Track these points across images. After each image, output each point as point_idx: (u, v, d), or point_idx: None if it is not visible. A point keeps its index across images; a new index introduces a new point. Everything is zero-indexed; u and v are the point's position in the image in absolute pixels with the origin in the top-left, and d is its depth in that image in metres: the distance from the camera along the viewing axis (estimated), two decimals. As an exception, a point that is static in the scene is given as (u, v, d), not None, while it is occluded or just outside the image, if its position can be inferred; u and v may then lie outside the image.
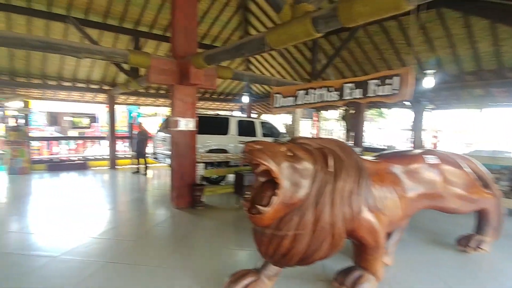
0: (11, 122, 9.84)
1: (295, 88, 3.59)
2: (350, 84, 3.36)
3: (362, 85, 3.27)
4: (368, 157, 3.24)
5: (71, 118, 24.34)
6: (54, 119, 23.96)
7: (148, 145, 9.68)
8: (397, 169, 3.09)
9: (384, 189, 2.86)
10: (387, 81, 3.03)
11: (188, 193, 5.89)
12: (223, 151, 8.18)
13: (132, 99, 12.28)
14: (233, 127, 8.60)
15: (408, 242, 4.17)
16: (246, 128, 8.94)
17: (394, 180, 3.00)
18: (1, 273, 3.20)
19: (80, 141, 12.19)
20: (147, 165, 9.62)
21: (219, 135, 8.26)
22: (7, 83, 9.02)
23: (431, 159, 3.27)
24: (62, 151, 11.40)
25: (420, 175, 3.15)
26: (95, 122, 17.12)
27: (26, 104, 9.92)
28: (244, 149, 2.29)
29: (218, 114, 9.35)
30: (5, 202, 6.18)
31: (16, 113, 9.81)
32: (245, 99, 10.56)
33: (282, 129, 10.49)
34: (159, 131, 9.27)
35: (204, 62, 5.00)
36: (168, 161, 8.07)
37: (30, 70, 8.85)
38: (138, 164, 9.77)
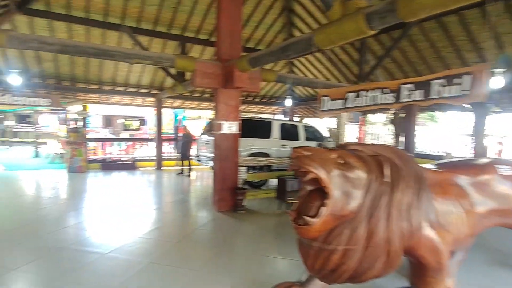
0: (71, 124, 10.71)
1: (345, 90, 3.36)
2: (408, 85, 3.04)
3: (423, 86, 2.93)
4: (428, 166, 2.91)
5: (123, 121, 26.07)
6: (107, 121, 25.83)
7: (192, 147, 9.92)
8: (464, 180, 2.72)
9: (447, 202, 2.53)
10: (455, 80, 2.67)
11: (230, 196, 5.87)
12: (265, 155, 8.09)
13: (178, 102, 12.73)
14: (275, 131, 8.48)
15: (471, 262, 3.70)
16: (288, 132, 8.76)
17: (459, 192, 2.65)
18: (57, 266, 3.39)
19: (130, 143, 12.92)
20: (190, 167, 9.86)
21: (261, 139, 8.18)
22: (68, 89, 9.83)
23: (505, 170, 2.84)
24: (114, 151, 12.13)
25: (491, 188, 2.75)
26: (144, 124, 18.07)
27: (85, 108, 10.74)
28: (291, 155, 2.14)
29: (260, 118, 9.29)
30: (65, 198, 6.68)
31: (75, 116, 10.66)
32: (288, 102, 10.35)
33: (326, 134, 10.14)
34: (202, 134, 9.46)
35: (248, 65, 4.95)
36: (211, 163, 8.17)
37: (88, 76, 9.56)
38: (182, 165, 10.04)
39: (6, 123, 19.11)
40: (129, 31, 7.52)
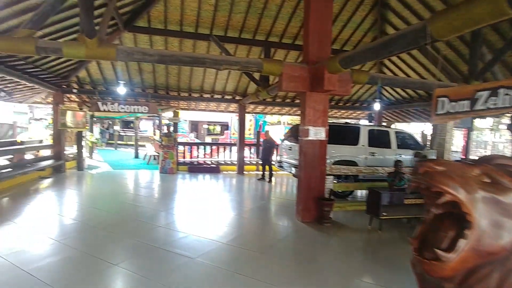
0: (164, 129, 11.70)
1: (473, 89, 2.70)
2: None
3: None
4: None
5: (208, 126, 27.87)
6: (194, 127, 27.92)
7: (273, 153, 9.82)
8: None
9: None
10: None
11: (315, 207, 5.50)
12: (352, 163, 7.46)
13: (260, 108, 12.88)
14: (363, 137, 7.77)
15: None
16: (378, 138, 7.95)
17: None
18: (151, 266, 3.52)
19: (214, 147, 13.55)
20: (271, 172, 9.76)
21: (347, 146, 7.58)
22: (163, 97, 10.79)
23: None
24: (200, 155, 12.86)
25: None
26: (227, 129, 18.88)
27: (176, 114, 11.63)
28: (416, 170, 1.70)
29: (347, 123, 8.66)
30: (158, 198, 7.20)
31: (168, 121, 11.62)
32: (377, 106, 9.51)
33: (421, 141, 8.93)
34: (284, 139, 9.28)
35: (339, 66, 4.55)
36: (293, 170, 7.91)
37: (180, 85, 10.32)
38: (264, 171, 10.02)
39: (114, 128, 22.17)
40: (216, 40, 7.82)
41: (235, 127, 15.47)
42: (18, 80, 7.71)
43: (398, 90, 10.68)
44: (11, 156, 8.28)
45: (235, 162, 11.83)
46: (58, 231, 4.64)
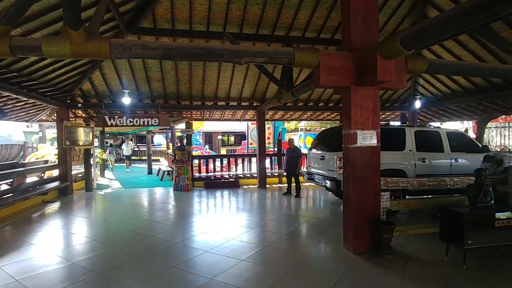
0: (177, 143, 10.74)
1: None
2: None
3: None
4: None
5: (223, 137, 26.98)
6: (208, 138, 27.09)
7: (300, 163, 8.67)
8: None
9: None
10: None
11: (369, 232, 4.30)
12: (400, 172, 6.21)
13: (279, 114, 11.80)
14: (410, 140, 6.52)
15: None
16: (427, 141, 6.68)
17: None
18: None
19: (231, 159, 12.49)
20: (299, 185, 8.56)
21: (392, 152, 6.31)
22: (174, 107, 9.86)
23: None
24: (216, 168, 11.81)
25: None
26: (244, 139, 17.82)
27: (189, 125, 10.68)
28: None
29: (387, 124, 7.42)
30: (172, 224, 6.12)
31: (181, 134, 10.66)
32: (417, 104, 8.24)
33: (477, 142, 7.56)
34: (312, 148, 8.13)
35: (401, 48, 3.40)
36: (328, 183, 6.73)
37: (192, 92, 9.38)
38: (289, 184, 8.85)
39: (129, 143, 21.49)
40: (231, 38, 6.82)
41: (252, 136, 14.44)
42: (16, 96, 6.91)
43: (438, 85, 9.37)
44: (11, 180, 7.46)
45: (256, 175, 10.71)
46: (54, 276, 3.61)
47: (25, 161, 9.77)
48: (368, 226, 4.33)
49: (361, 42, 4.20)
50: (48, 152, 11.63)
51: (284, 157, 10.46)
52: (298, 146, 9.21)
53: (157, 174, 13.57)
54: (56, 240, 5.03)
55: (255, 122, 14.30)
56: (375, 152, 4.40)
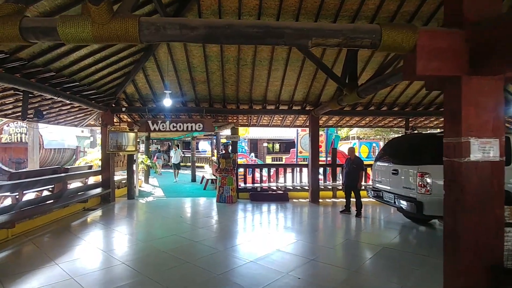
0: (222, 150, 9.98)
1: None
2: None
3: None
4: None
5: (268, 144, 26.06)
6: (253, 145, 26.32)
7: (362, 176, 7.35)
8: None
9: None
10: None
11: (486, 282, 2.95)
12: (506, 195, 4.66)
13: (334, 119, 10.52)
14: (519, 153, 4.94)
15: None
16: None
17: None
18: None
19: (278, 168, 11.41)
20: (360, 202, 7.22)
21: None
22: (220, 111, 9.11)
23: None
24: (263, 178, 10.84)
25: None
26: (292, 147, 16.68)
27: (235, 131, 9.87)
28: None
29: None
30: (214, 243, 5.20)
31: (226, 140, 9.89)
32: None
33: None
34: (379, 159, 6.78)
35: None
36: (405, 204, 5.37)
37: (239, 95, 8.55)
38: (348, 200, 7.54)
39: (177, 150, 21.54)
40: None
41: (302, 144, 13.27)
42: (59, 99, 6.64)
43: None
44: (52, 187, 7.18)
45: (307, 187, 9.53)
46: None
47: (70, 166, 9.66)
48: (487, 275, 2.99)
49: (476, 14, 2.93)
50: (97, 157, 11.62)
51: (341, 168, 9.18)
52: (359, 156, 7.89)
53: (201, 182, 13.00)
54: (84, 262, 4.36)
55: (305, 128, 13.23)
56: (497, 169, 3.04)
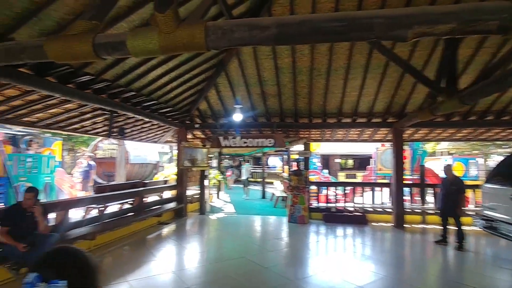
0: (293, 166, 9.47)
1: None
2: None
3: None
4: None
5: (341, 160, 24.59)
6: (325, 161, 25.09)
7: (463, 200, 6.04)
8: None
9: None
10: None
11: None
12: None
13: (420, 133, 9.17)
14: None
15: None
16: None
17: None
18: None
19: (354, 187, 10.36)
20: (461, 232, 5.88)
21: None
22: (291, 125, 8.68)
23: None
24: (336, 197, 9.91)
25: None
26: (368, 164, 15.26)
27: (307, 147, 9.30)
28: None
29: None
30: (285, 276, 4.67)
31: (297, 156, 9.38)
32: None
33: None
34: (490, 180, 5.48)
35: None
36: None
37: (312, 108, 8.01)
38: (445, 227, 6.24)
39: (246, 165, 21.82)
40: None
41: (383, 160, 11.96)
42: (142, 118, 7.07)
43: None
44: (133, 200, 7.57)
45: (390, 210, 8.35)
46: None
47: (149, 181, 10.24)
48: None
49: None
50: (172, 171, 12.22)
51: (435, 189, 7.86)
52: (458, 176, 6.56)
53: (271, 199, 12.62)
54: (153, 281, 4.25)
55: (384, 143, 11.94)
56: None
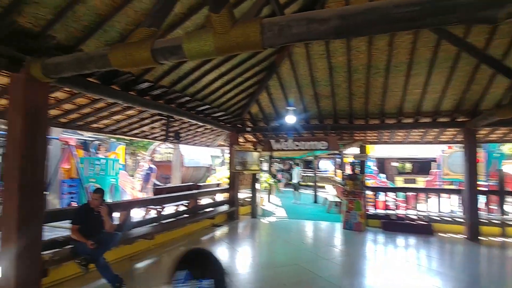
0: (348, 170, 9.00)
1: None
2: None
3: None
4: None
5: (399, 164, 22.96)
6: (380, 165, 23.62)
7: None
8: None
9: None
10: None
11: None
12: None
13: (498, 133, 8.08)
14: None
15: None
16: None
17: None
18: None
19: (417, 193, 9.45)
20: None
21: None
22: (345, 127, 8.26)
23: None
24: (396, 204, 9.13)
25: None
26: (429, 168, 13.95)
27: (363, 150, 8.78)
28: None
29: None
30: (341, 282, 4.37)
31: (353, 160, 8.90)
32: None
33: None
34: None
35: None
36: None
37: (368, 109, 7.53)
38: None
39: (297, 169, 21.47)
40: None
41: (450, 164, 10.83)
42: (195, 122, 7.30)
43: None
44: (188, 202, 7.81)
45: (461, 220, 7.45)
46: None
47: (203, 183, 10.51)
48: None
49: None
50: (224, 175, 12.45)
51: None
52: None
53: (323, 204, 12.18)
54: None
55: (451, 145, 10.82)
56: None
